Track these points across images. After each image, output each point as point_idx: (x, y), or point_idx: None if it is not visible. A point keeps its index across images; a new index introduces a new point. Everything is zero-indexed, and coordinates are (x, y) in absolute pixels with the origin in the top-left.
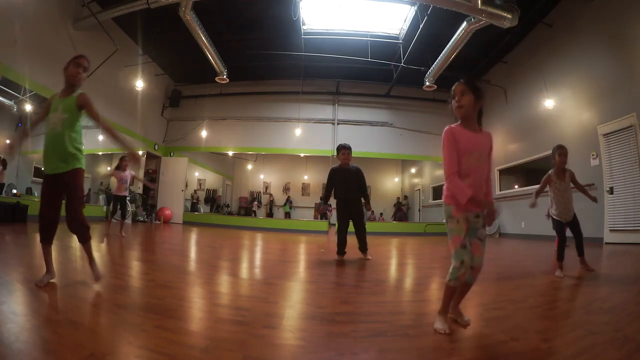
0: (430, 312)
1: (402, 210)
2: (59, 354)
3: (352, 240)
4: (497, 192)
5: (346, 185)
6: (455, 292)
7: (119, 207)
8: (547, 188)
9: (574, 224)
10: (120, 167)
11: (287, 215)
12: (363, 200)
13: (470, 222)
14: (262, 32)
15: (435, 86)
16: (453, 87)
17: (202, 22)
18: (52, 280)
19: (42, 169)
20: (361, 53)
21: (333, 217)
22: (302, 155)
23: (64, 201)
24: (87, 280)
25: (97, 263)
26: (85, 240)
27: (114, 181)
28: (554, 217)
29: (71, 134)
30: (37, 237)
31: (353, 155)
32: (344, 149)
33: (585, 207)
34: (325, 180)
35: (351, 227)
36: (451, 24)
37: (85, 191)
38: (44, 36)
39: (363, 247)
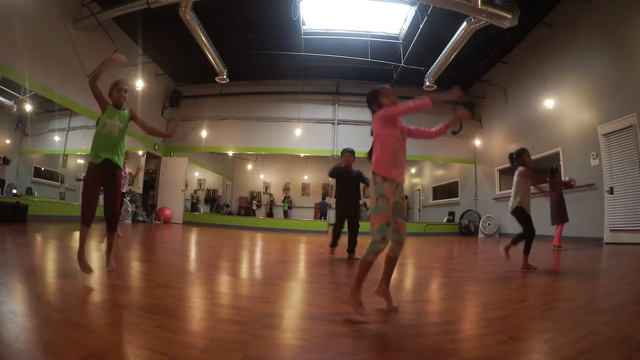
0: (430, 312)
1: None
2: (59, 354)
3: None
4: (497, 192)
5: (346, 185)
6: (370, 267)
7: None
8: (516, 180)
9: (530, 222)
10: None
11: (285, 214)
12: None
13: (398, 204)
14: (262, 32)
15: (435, 86)
16: (387, 90)
17: (202, 22)
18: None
19: (89, 160)
20: (361, 53)
21: (332, 217)
22: (302, 155)
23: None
24: (86, 280)
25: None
26: (113, 229)
27: None
28: (523, 207)
29: (123, 140)
30: (34, 236)
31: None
32: (347, 152)
33: (585, 208)
34: (325, 180)
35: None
36: (451, 24)
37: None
38: (44, 36)
39: (352, 248)
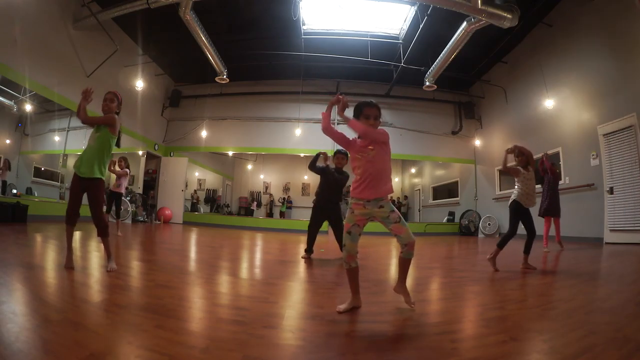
0: (430, 312)
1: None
2: (59, 354)
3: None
4: (497, 192)
5: (329, 185)
6: (354, 275)
7: (113, 204)
8: (516, 180)
9: (529, 220)
10: (119, 166)
11: (282, 214)
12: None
13: (377, 214)
14: (262, 32)
15: (435, 86)
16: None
17: (202, 22)
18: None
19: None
20: (361, 53)
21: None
22: (302, 155)
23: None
24: (86, 280)
25: (113, 258)
26: (103, 235)
27: (113, 177)
28: (517, 200)
29: (103, 149)
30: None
31: None
32: (338, 154)
33: (585, 208)
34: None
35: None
36: (451, 24)
37: None
38: (44, 36)
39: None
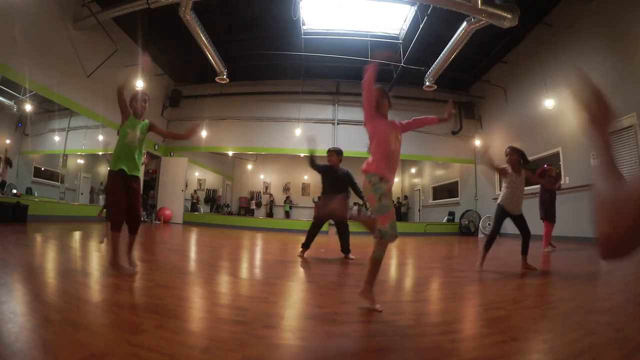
0: (430, 312)
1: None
2: (59, 354)
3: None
4: (497, 192)
5: (334, 186)
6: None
7: None
8: (503, 180)
9: (521, 223)
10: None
11: (287, 214)
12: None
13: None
14: (262, 32)
15: (435, 86)
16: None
17: (202, 22)
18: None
19: (110, 168)
20: (361, 53)
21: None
22: (302, 155)
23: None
24: (86, 280)
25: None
26: (135, 232)
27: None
28: (501, 204)
29: (141, 149)
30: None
31: (354, 155)
32: (330, 152)
33: (585, 208)
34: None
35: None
36: (451, 24)
37: (88, 190)
38: (44, 36)
39: (346, 249)
